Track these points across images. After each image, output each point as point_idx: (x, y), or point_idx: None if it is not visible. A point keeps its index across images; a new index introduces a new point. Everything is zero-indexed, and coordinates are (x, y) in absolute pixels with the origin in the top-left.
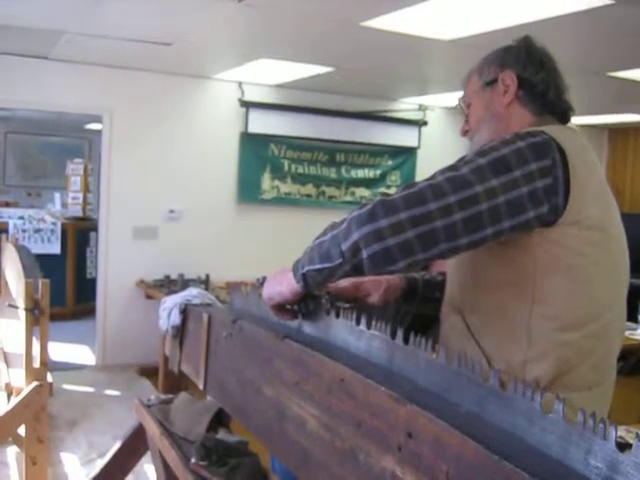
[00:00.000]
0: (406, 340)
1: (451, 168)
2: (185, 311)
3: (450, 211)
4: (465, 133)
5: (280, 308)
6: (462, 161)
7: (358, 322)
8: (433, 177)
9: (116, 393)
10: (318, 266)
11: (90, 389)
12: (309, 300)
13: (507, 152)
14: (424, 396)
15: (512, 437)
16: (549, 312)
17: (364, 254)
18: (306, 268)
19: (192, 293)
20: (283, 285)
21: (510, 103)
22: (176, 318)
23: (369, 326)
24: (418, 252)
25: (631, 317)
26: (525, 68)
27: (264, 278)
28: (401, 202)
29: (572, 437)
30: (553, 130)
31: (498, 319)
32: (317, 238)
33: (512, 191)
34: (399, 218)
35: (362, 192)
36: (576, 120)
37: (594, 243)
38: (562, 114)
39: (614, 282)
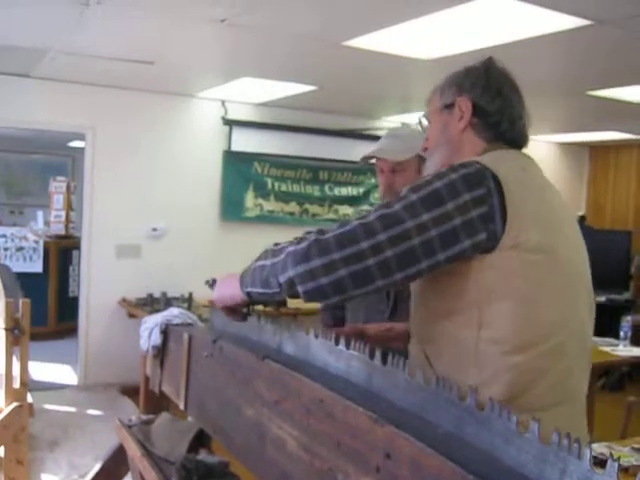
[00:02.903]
0: (384, 360)
1: (384, 206)
2: (166, 331)
3: (381, 249)
4: (425, 150)
5: (231, 310)
6: (397, 198)
7: (337, 342)
8: (367, 215)
9: (98, 413)
10: (259, 290)
11: (72, 409)
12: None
13: (439, 186)
14: (403, 416)
15: (489, 457)
16: (495, 336)
17: (300, 289)
18: (249, 288)
19: (173, 313)
20: (234, 291)
21: (464, 129)
22: (157, 338)
23: (348, 346)
24: (350, 289)
25: (613, 334)
26: (482, 96)
27: (214, 280)
28: (334, 241)
29: (548, 457)
30: (492, 158)
31: (450, 347)
32: (259, 258)
33: (444, 224)
34: (331, 258)
35: (345, 210)
36: (557, 138)
37: (535, 265)
38: (514, 142)
39: (564, 301)
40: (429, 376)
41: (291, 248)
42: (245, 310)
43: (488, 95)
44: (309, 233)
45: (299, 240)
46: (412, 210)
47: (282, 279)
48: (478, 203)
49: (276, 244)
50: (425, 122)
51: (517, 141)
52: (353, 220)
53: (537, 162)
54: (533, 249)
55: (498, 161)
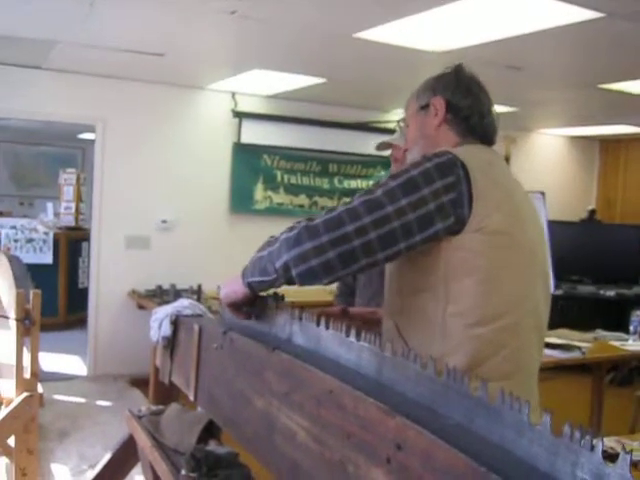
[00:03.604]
0: (358, 336)
1: (367, 192)
2: (176, 322)
3: (366, 231)
4: (404, 152)
5: (236, 307)
6: (377, 185)
7: (348, 333)
8: (351, 201)
9: (107, 404)
10: (258, 278)
11: (81, 399)
12: (259, 301)
13: (415, 173)
14: (413, 408)
15: (500, 449)
16: (460, 310)
17: (293, 272)
18: (249, 279)
19: (183, 304)
20: (236, 287)
21: (439, 125)
22: (167, 329)
23: (359, 337)
24: (339, 270)
25: (623, 328)
26: (453, 94)
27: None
28: (322, 226)
29: (559, 449)
30: (463, 150)
31: (420, 319)
32: (258, 251)
33: (421, 208)
34: (320, 241)
35: None
36: (567, 131)
37: (498, 246)
38: (484, 136)
39: (523, 281)
40: (399, 347)
41: (284, 235)
42: (247, 309)
43: (459, 94)
44: (299, 222)
45: (291, 228)
46: (392, 196)
47: (278, 264)
48: (449, 189)
49: (272, 237)
50: (404, 128)
51: (487, 136)
52: (339, 206)
53: (543, 156)
54: (495, 232)
55: (468, 153)
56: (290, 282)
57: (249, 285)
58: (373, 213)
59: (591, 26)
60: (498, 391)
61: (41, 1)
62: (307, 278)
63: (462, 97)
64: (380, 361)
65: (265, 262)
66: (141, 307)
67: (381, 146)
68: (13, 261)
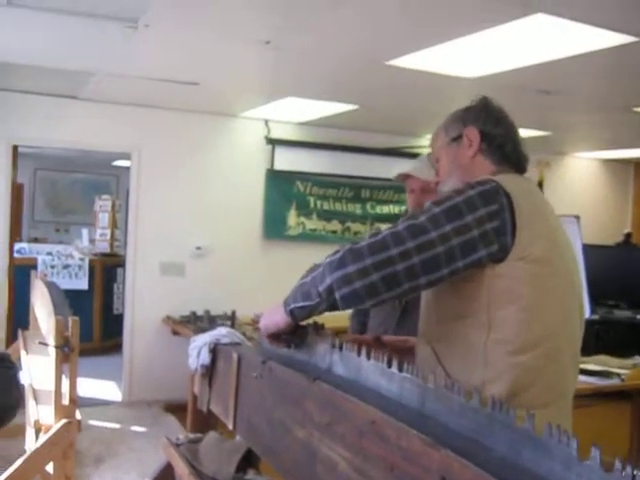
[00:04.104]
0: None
1: (410, 217)
2: (214, 350)
3: (409, 255)
4: (436, 185)
5: (275, 337)
6: (421, 211)
7: (390, 364)
8: (395, 226)
9: (142, 429)
10: (301, 304)
11: (116, 425)
12: (299, 330)
13: (459, 200)
14: (457, 440)
15: None
16: (502, 337)
17: (337, 295)
18: (292, 305)
19: (221, 332)
20: (277, 317)
21: (474, 155)
22: (205, 357)
23: (401, 369)
24: (382, 293)
25: None
26: (485, 124)
27: (261, 314)
28: (366, 249)
29: None
30: (503, 178)
31: (460, 346)
32: (301, 278)
33: (464, 234)
34: (365, 264)
35: None
36: (601, 154)
37: (540, 274)
38: (518, 164)
39: (562, 308)
40: (440, 376)
41: (328, 260)
42: (286, 337)
43: (490, 123)
44: (343, 246)
45: (335, 252)
46: (436, 221)
47: (321, 288)
48: (493, 217)
49: (315, 264)
50: (433, 162)
51: (520, 163)
52: (384, 231)
53: (577, 179)
54: (537, 260)
55: (509, 181)
56: (333, 307)
57: (291, 312)
58: (417, 238)
59: (624, 50)
60: (541, 420)
61: (80, 34)
62: (351, 301)
63: (493, 126)
64: (423, 392)
65: (308, 287)
66: (176, 333)
67: (398, 178)
68: (51, 287)
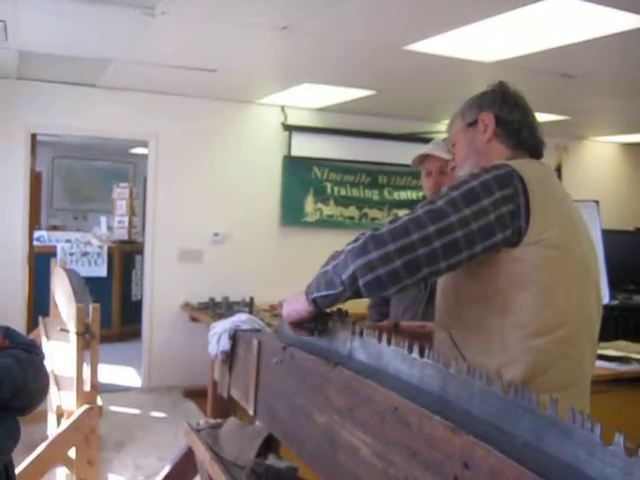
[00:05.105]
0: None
1: (429, 202)
2: (234, 337)
3: (430, 240)
4: (453, 169)
5: (297, 325)
6: (438, 196)
7: (410, 350)
8: (414, 211)
9: (162, 415)
10: (324, 293)
11: (136, 411)
12: (322, 318)
13: (475, 184)
14: (479, 426)
15: (571, 469)
16: (518, 321)
17: (360, 282)
18: (315, 294)
19: (241, 319)
20: (299, 305)
21: (490, 140)
22: (225, 343)
23: (422, 354)
24: (404, 279)
25: None
26: (501, 109)
27: (283, 300)
28: (388, 235)
29: (634, 470)
30: (518, 163)
31: (477, 330)
32: (322, 266)
33: (482, 218)
34: (387, 250)
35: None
36: (620, 139)
37: (555, 259)
38: (534, 149)
39: (578, 293)
40: (457, 358)
41: (349, 247)
42: (312, 325)
43: (506, 108)
44: (363, 234)
45: (355, 239)
46: (454, 205)
47: (344, 276)
48: (507, 201)
49: (336, 251)
50: (449, 147)
51: (536, 149)
52: (403, 217)
53: (596, 164)
54: (553, 245)
55: (524, 166)
56: (357, 294)
57: (314, 301)
58: (437, 222)
59: None
60: (558, 405)
61: (98, 22)
62: (374, 288)
63: (509, 111)
64: (444, 378)
65: (331, 275)
66: (194, 319)
67: (415, 160)
68: (72, 275)
